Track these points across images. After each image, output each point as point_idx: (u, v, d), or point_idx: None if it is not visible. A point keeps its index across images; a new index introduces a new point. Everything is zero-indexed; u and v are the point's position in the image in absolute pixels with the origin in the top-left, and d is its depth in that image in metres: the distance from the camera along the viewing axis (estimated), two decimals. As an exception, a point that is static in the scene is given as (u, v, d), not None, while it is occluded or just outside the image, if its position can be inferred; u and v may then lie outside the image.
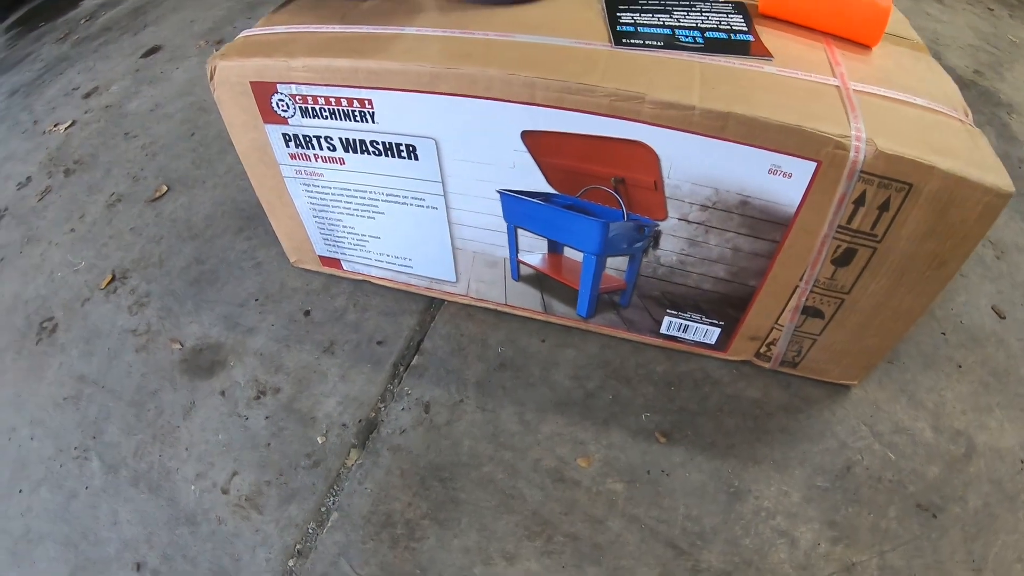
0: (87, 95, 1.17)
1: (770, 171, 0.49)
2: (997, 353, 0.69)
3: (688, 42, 0.54)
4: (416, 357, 0.71)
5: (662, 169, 0.52)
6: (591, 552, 0.57)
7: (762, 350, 0.65)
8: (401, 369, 0.70)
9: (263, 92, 0.58)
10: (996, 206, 0.46)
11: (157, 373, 0.72)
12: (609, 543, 0.57)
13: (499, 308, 0.73)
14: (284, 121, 0.60)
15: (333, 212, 0.69)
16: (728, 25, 0.57)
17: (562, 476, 0.61)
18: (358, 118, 0.57)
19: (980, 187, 0.45)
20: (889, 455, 0.61)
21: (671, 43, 0.54)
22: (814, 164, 0.47)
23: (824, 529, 0.57)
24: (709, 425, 0.64)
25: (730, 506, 0.59)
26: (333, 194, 0.66)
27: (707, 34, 0.55)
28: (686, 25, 0.56)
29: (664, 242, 0.58)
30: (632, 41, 0.54)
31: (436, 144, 0.57)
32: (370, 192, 0.64)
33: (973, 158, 0.47)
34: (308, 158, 0.63)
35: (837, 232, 0.51)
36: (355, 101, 0.56)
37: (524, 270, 0.67)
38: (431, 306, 0.76)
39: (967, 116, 0.52)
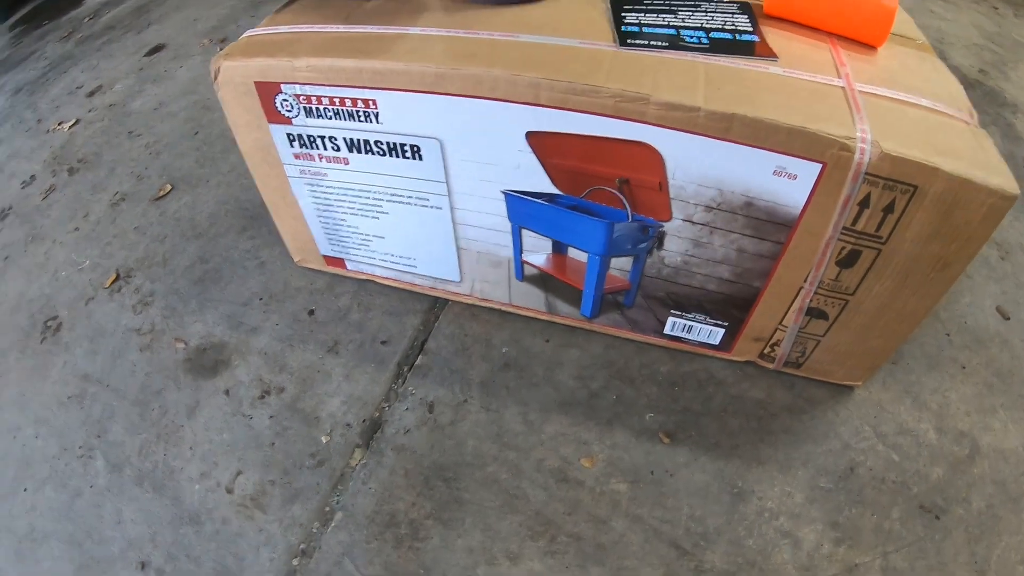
0: (91, 93, 1.17)
1: (775, 172, 0.49)
2: (1001, 354, 0.69)
3: (693, 42, 0.54)
4: (420, 357, 0.71)
5: (667, 170, 0.52)
6: (594, 552, 0.57)
7: (766, 351, 0.65)
8: (405, 369, 0.70)
9: (267, 92, 0.58)
10: (1001, 208, 0.46)
11: (161, 372, 0.72)
12: (613, 543, 0.57)
13: (503, 308, 0.73)
14: (288, 121, 0.60)
15: (337, 212, 0.69)
16: (733, 25, 0.57)
17: (566, 476, 0.61)
18: (362, 118, 0.57)
19: (985, 189, 0.45)
20: (893, 456, 0.61)
21: (676, 43, 0.54)
22: (819, 166, 0.47)
23: (827, 530, 0.57)
24: (713, 426, 0.64)
25: (734, 507, 0.59)
26: (337, 194, 0.66)
27: (712, 34, 0.55)
28: (691, 25, 0.56)
29: (668, 243, 0.58)
30: (637, 41, 0.54)
31: (440, 144, 0.57)
32: (374, 192, 0.64)
33: (978, 160, 0.47)
34: (312, 158, 0.63)
35: (842, 234, 0.51)
36: (359, 101, 0.56)
37: (528, 270, 0.67)
38: (435, 306, 0.76)
39: (972, 117, 0.52)
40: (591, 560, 0.56)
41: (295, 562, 0.58)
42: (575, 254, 0.63)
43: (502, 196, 0.60)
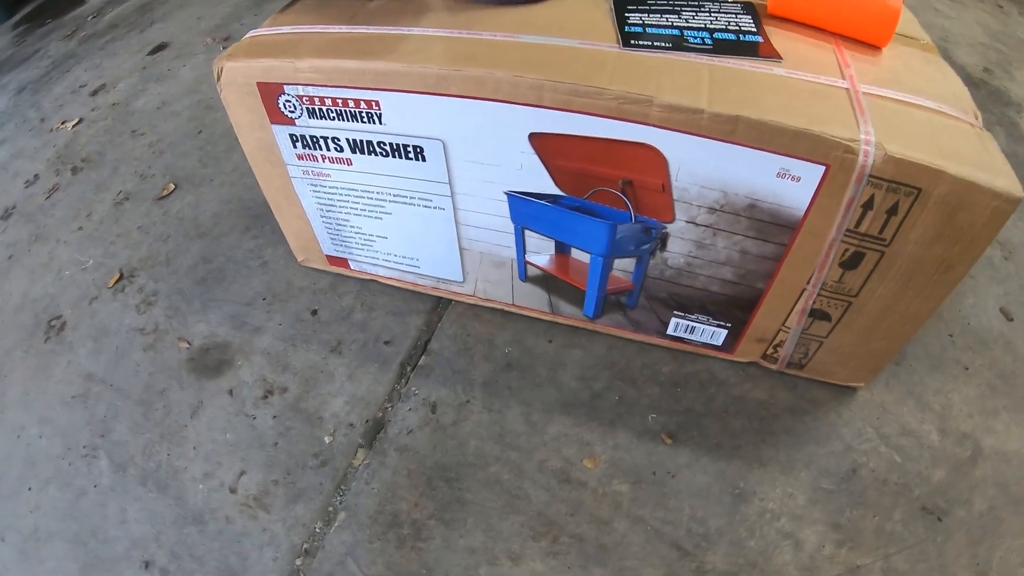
0: (94, 92, 1.17)
1: (778, 175, 0.49)
2: (1004, 356, 0.69)
3: (697, 43, 0.54)
4: (423, 357, 0.71)
5: (670, 172, 0.52)
6: (596, 553, 0.57)
7: (769, 352, 0.65)
8: (408, 369, 0.70)
9: (270, 93, 0.58)
10: (1005, 211, 0.46)
11: (165, 372, 0.73)
12: (614, 544, 0.57)
13: (506, 308, 0.73)
14: (291, 122, 0.60)
15: (340, 212, 0.69)
16: (737, 26, 0.57)
17: (568, 477, 0.61)
18: (365, 119, 0.57)
19: (989, 192, 0.45)
20: (895, 458, 0.61)
21: (680, 44, 0.54)
22: (823, 168, 0.47)
23: (829, 531, 0.57)
24: (715, 426, 0.64)
25: (735, 508, 0.59)
26: (340, 194, 0.66)
27: (716, 35, 0.55)
28: (695, 26, 0.56)
29: (671, 244, 0.58)
30: (640, 42, 0.54)
31: (443, 145, 0.57)
32: (377, 192, 0.64)
33: (982, 162, 0.46)
34: (315, 159, 0.63)
35: (845, 236, 0.51)
36: (362, 102, 0.56)
37: (531, 271, 0.67)
38: (438, 306, 0.76)
39: (977, 119, 0.52)
40: (593, 561, 0.57)
41: (298, 562, 0.58)
42: (578, 255, 0.63)
43: (505, 197, 0.60)
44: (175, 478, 0.65)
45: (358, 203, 0.66)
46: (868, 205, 0.48)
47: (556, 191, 0.57)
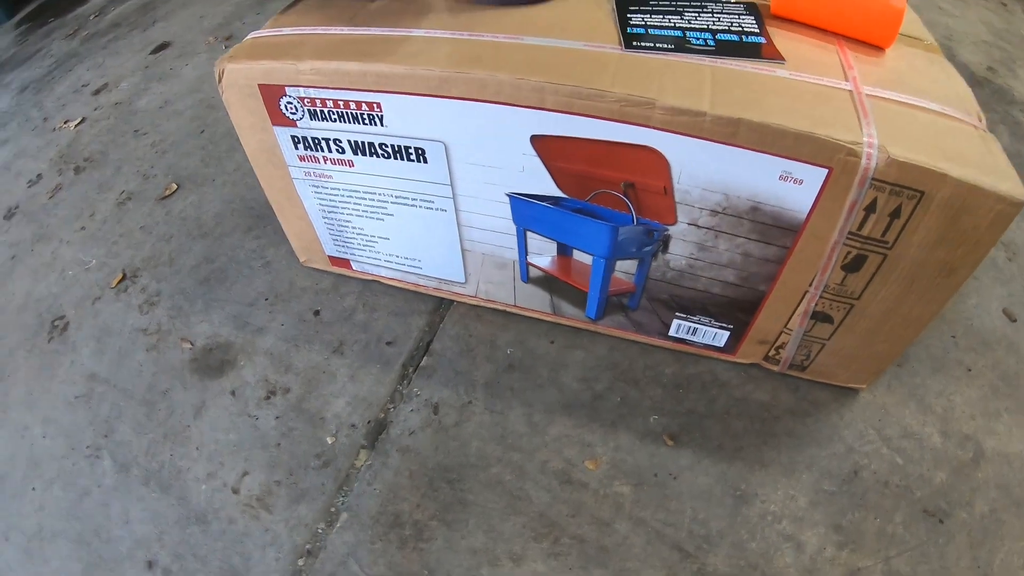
0: (97, 92, 1.17)
1: (781, 177, 0.49)
2: (1007, 357, 0.69)
3: (699, 44, 0.54)
4: (425, 358, 0.71)
5: (672, 174, 0.52)
6: (597, 554, 0.57)
7: (771, 353, 0.65)
8: (410, 370, 0.70)
9: (271, 95, 0.58)
10: (1009, 214, 0.45)
11: (168, 372, 0.73)
12: (616, 545, 0.57)
13: (508, 309, 0.73)
14: (293, 123, 0.60)
15: (342, 213, 0.69)
16: (740, 27, 0.56)
17: (569, 478, 0.62)
18: (367, 121, 0.57)
19: (993, 195, 0.45)
20: (897, 460, 0.61)
21: (682, 46, 0.54)
22: (825, 171, 0.47)
23: (830, 534, 0.57)
24: (717, 428, 0.64)
25: (736, 510, 0.59)
26: (342, 196, 0.66)
27: (718, 36, 0.55)
28: (697, 27, 0.56)
29: (673, 246, 0.58)
30: (642, 44, 0.54)
31: (445, 147, 0.57)
32: (379, 194, 0.64)
33: (986, 165, 0.46)
34: (317, 160, 0.63)
35: (847, 238, 0.51)
36: (364, 104, 0.56)
37: (533, 272, 0.67)
38: (440, 306, 0.76)
39: (980, 120, 0.51)
40: (594, 562, 0.57)
41: (300, 562, 0.59)
42: (580, 257, 0.63)
43: (507, 199, 0.60)
44: (178, 478, 0.65)
45: (360, 204, 0.67)
46: (871, 208, 0.48)
47: (558, 193, 0.57)
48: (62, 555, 0.62)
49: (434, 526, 0.60)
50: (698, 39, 0.55)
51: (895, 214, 0.48)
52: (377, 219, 0.68)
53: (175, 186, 0.94)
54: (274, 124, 0.61)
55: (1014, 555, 0.56)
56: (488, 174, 0.58)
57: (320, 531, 0.60)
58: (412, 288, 0.76)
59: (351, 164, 0.62)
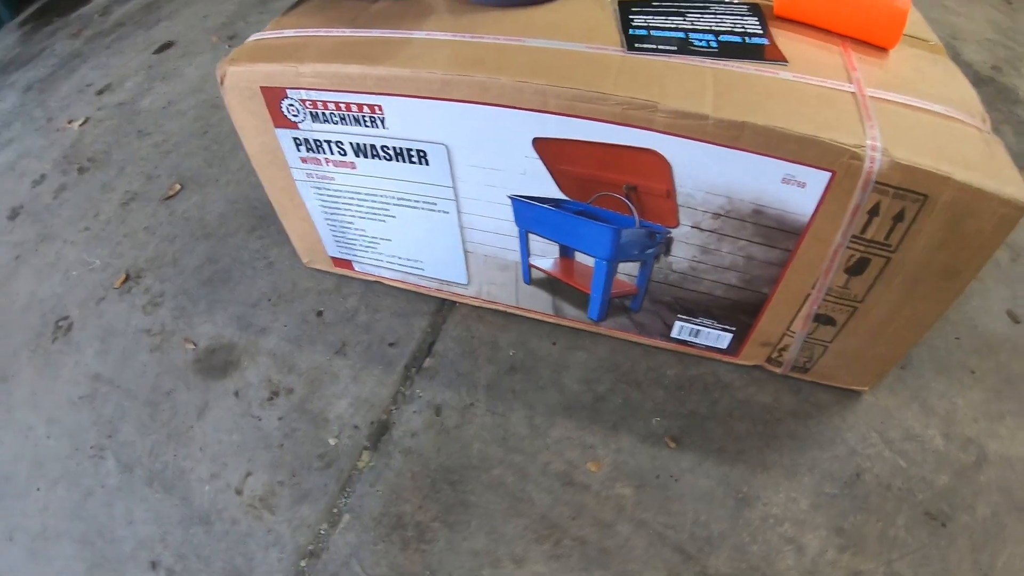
0: (100, 92, 1.17)
1: (784, 180, 0.49)
2: (1011, 359, 0.69)
3: (702, 46, 0.54)
4: (427, 359, 0.71)
5: (674, 177, 0.52)
6: (599, 556, 0.57)
7: (773, 355, 0.65)
8: (413, 371, 0.71)
9: (273, 97, 0.58)
10: (1013, 218, 0.45)
11: (171, 373, 0.73)
12: (617, 547, 0.58)
13: (510, 310, 0.73)
14: (294, 125, 0.60)
15: (344, 215, 0.69)
16: (743, 28, 0.56)
17: (571, 480, 0.62)
18: (368, 123, 0.57)
19: (997, 199, 0.44)
20: (899, 462, 0.61)
21: (684, 47, 0.54)
22: (828, 174, 0.47)
23: (832, 536, 0.57)
24: (719, 430, 0.64)
25: (738, 512, 0.59)
26: (344, 197, 0.66)
27: (721, 38, 0.55)
28: (700, 28, 0.56)
29: (676, 249, 0.58)
30: (645, 45, 0.54)
31: (447, 150, 0.57)
32: (381, 196, 0.65)
33: (990, 168, 0.46)
34: (319, 162, 0.63)
35: (851, 242, 0.50)
36: (365, 107, 0.56)
37: (535, 274, 0.67)
38: (442, 308, 0.76)
39: (985, 123, 0.51)
40: (595, 564, 0.57)
41: (303, 563, 0.59)
42: (582, 258, 0.63)
43: (509, 201, 0.60)
44: (181, 479, 0.65)
45: (362, 206, 0.67)
46: (874, 211, 0.48)
47: (560, 195, 0.57)
48: (66, 555, 0.62)
49: (436, 527, 0.60)
50: (701, 40, 0.54)
51: (898, 217, 0.48)
52: (379, 221, 0.68)
53: (179, 186, 0.94)
54: (276, 126, 0.61)
55: (1016, 559, 0.56)
56: (490, 176, 0.58)
57: (323, 532, 0.61)
58: (414, 289, 0.76)
59: (353, 166, 0.62)
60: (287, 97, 0.58)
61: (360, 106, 0.56)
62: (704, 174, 0.51)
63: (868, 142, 0.46)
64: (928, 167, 0.45)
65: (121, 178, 0.98)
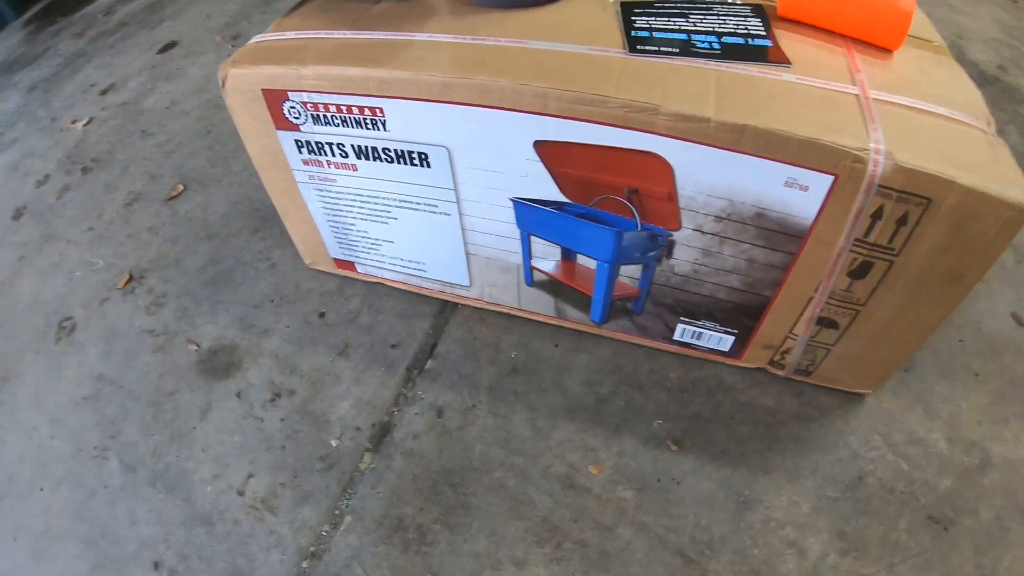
0: (104, 92, 1.18)
1: (786, 184, 0.49)
2: (1015, 362, 0.68)
3: (704, 48, 0.54)
4: (429, 361, 0.71)
5: (676, 180, 0.52)
6: (599, 559, 0.57)
7: (776, 358, 0.64)
8: (415, 373, 0.71)
9: (275, 99, 0.58)
10: (1017, 221, 0.45)
11: (174, 374, 0.73)
12: (618, 551, 0.57)
13: (512, 312, 0.73)
14: (296, 128, 0.60)
15: (347, 217, 0.69)
16: (746, 29, 0.56)
17: (572, 483, 0.62)
18: (369, 126, 0.57)
19: (1001, 202, 0.44)
20: (902, 466, 0.61)
21: (687, 49, 0.53)
22: (831, 178, 0.47)
23: (833, 540, 0.57)
24: (721, 433, 0.64)
25: (739, 515, 0.59)
26: (346, 199, 0.66)
27: (724, 39, 0.54)
28: (703, 29, 0.56)
29: (678, 252, 0.57)
30: (647, 47, 0.53)
31: (448, 152, 0.57)
32: (383, 198, 0.65)
33: (994, 171, 0.46)
34: (321, 164, 0.63)
35: (853, 245, 0.50)
36: (366, 109, 0.56)
37: (537, 276, 0.67)
38: (445, 309, 0.76)
39: (990, 125, 0.51)
40: (596, 567, 0.57)
41: (305, 564, 0.59)
42: (584, 261, 0.63)
43: (511, 203, 0.60)
44: (184, 479, 0.65)
45: (364, 208, 0.67)
46: (877, 215, 0.48)
47: (562, 198, 0.57)
48: (69, 555, 0.62)
49: (437, 530, 0.60)
50: (703, 42, 0.54)
51: (902, 221, 0.47)
52: (381, 222, 0.68)
53: (182, 187, 0.95)
54: (277, 128, 0.61)
55: (1019, 563, 0.55)
56: (491, 179, 0.58)
57: (324, 533, 0.61)
58: (417, 291, 0.76)
59: (354, 168, 0.62)
60: (288, 99, 0.58)
61: (361, 108, 0.56)
62: (706, 177, 0.51)
63: (871, 145, 0.45)
64: (932, 171, 0.44)
65: (124, 178, 0.98)
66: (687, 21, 0.57)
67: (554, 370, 0.69)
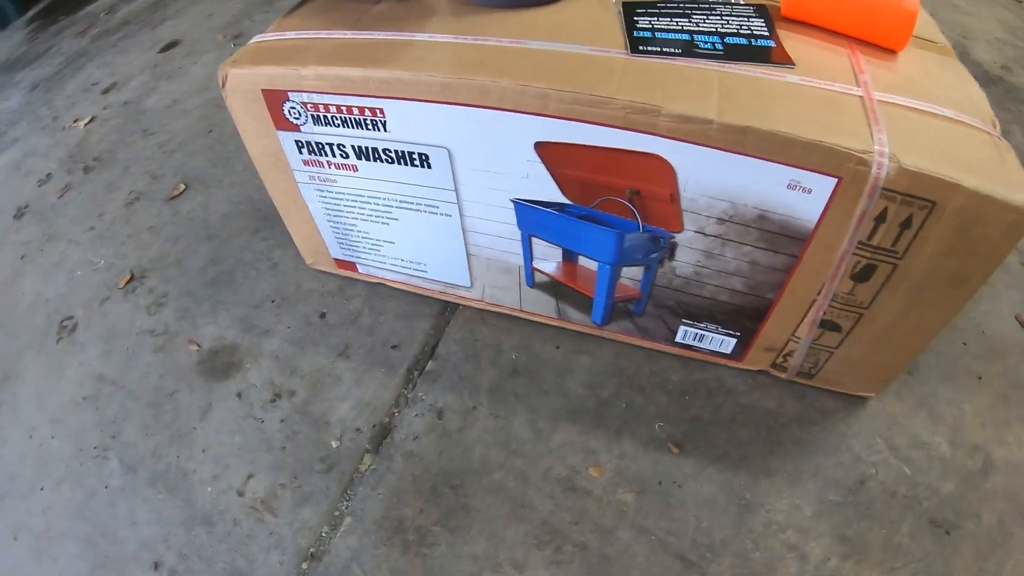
0: (106, 91, 1.18)
1: (789, 186, 0.48)
2: (1019, 365, 0.68)
3: (707, 48, 0.53)
4: (430, 362, 0.71)
5: (678, 182, 0.51)
6: (600, 562, 0.57)
7: (778, 361, 0.64)
8: (415, 374, 0.70)
9: (275, 100, 0.58)
10: (1022, 225, 0.44)
11: (174, 374, 0.73)
12: (618, 554, 0.57)
13: (513, 313, 0.73)
14: (296, 128, 0.60)
15: (347, 217, 0.69)
16: (749, 30, 0.55)
17: (573, 485, 0.61)
18: (370, 126, 0.57)
19: (1006, 206, 0.44)
20: (904, 469, 0.61)
21: (689, 50, 0.53)
22: (835, 180, 0.46)
23: (835, 544, 0.57)
24: (722, 436, 0.64)
25: (741, 519, 0.58)
26: (347, 200, 0.66)
27: (727, 40, 0.54)
28: (705, 30, 0.55)
29: (680, 254, 0.57)
30: (649, 48, 0.53)
31: (449, 153, 0.57)
32: (384, 199, 0.64)
33: (999, 174, 0.45)
34: (321, 164, 0.63)
35: (857, 248, 0.50)
36: (366, 110, 0.56)
37: (539, 277, 0.67)
38: (446, 310, 0.76)
39: (995, 127, 0.50)
40: (596, 570, 0.57)
41: (304, 566, 0.59)
42: (586, 262, 0.62)
43: (512, 205, 0.59)
44: (184, 480, 0.65)
45: (365, 209, 0.66)
46: (881, 218, 0.47)
47: (563, 199, 0.57)
48: (69, 555, 0.62)
49: (437, 532, 0.60)
50: (706, 43, 0.54)
51: (906, 224, 0.47)
52: (382, 223, 0.67)
53: (183, 186, 0.95)
54: (278, 129, 0.61)
55: (1022, 567, 0.55)
56: (492, 180, 0.58)
57: (324, 535, 0.61)
58: (418, 291, 0.76)
59: (355, 169, 0.62)
60: (289, 100, 0.57)
61: (362, 109, 0.56)
62: (708, 179, 0.50)
63: (875, 147, 0.45)
64: (936, 173, 0.44)
65: (126, 178, 0.98)
66: (689, 21, 0.56)
67: (555, 372, 0.69)
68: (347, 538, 0.60)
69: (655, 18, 0.57)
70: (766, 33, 0.55)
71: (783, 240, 0.52)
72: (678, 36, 0.54)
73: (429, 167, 0.59)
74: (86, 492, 0.66)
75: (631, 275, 0.61)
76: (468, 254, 0.67)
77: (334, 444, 0.66)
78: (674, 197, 0.52)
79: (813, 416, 0.64)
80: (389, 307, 0.76)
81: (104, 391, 0.73)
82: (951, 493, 0.59)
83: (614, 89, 0.49)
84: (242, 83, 0.58)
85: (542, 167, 0.55)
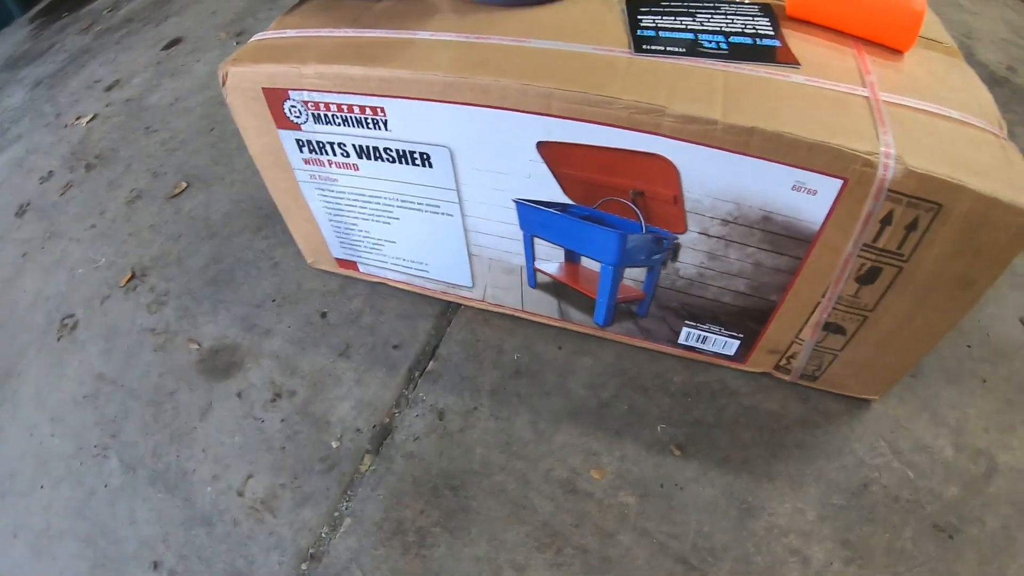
0: (108, 88, 1.17)
1: (794, 187, 0.48)
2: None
3: (712, 48, 0.53)
4: (431, 362, 0.71)
5: (682, 183, 0.51)
6: (600, 565, 0.57)
7: (782, 363, 0.64)
8: (416, 374, 0.70)
9: (275, 98, 0.58)
10: (1029, 228, 0.44)
11: (175, 373, 0.73)
12: (619, 557, 0.57)
13: (515, 314, 0.73)
14: (297, 127, 0.60)
15: (348, 216, 0.68)
16: (754, 29, 0.55)
17: (574, 487, 0.61)
18: (371, 125, 0.57)
19: (1013, 209, 0.43)
20: (908, 473, 0.60)
21: (694, 49, 0.52)
22: (840, 182, 0.46)
23: (837, 548, 0.56)
24: (724, 438, 0.63)
25: (742, 522, 0.58)
26: (348, 199, 0.66)
27: (731, 39, 0.54)
28: (710, 29, 0.55)
29: (683, 255, 0.57)
30: (653, 47, 0.53)
31: (450, 152, 0.56)
32: (385, 198, 0.64)
33: (1007, 177, 0.45)
34: (322, 163, 0.63)
35: (862, 250, 0.49)
36: (367, 109, 0.55)
37: (541, 277, 0.66)
38: (447, 310, 0.75)
39: (1002, 129, 0.50)
40: (597, 573, 0.56)
41: (304, 566, 0.59)
42: (588, 263, 0.62)
43: (514, 205, 0.59)
44: (184, 479, 0.65)
45: (366, 208, 0.66)
46: (886, 220, 0.47)
47: (565, 200, 0.57)
48: (69, 554, 0.62)
49: (437, 533, 0.59)
50: (710, 42, 0.53)
51: (911, 227, 0.47)
52: (383, 223, 0.67)
53: (185, 184, 0.94)
54: (278, 127, 0.61)
55: (1027, 573, 0.55)
56: (494, 180, 0.57)
57: (324, 535, 0.60)
58: (419, 291, 0.76)
59: (356, 168, 0.62)
60: (289, 98, 0.57)
61: (363, 108, 0.55)
62: (712, 180, 0.50)
63: (881, 149, 0.44)
64: (943, 175, 0.43)
65: (128, 175, 0.98)
66: (694, 20, 0.56)
67: (557, 373, 0.69)
68: (347, 539, 0.60)
69: (659, 17, 0.56)
70: (771, 32, 0.55)
71: (787, 242, 0.51)
72: (682, 35, 0.54)
73: (430, 166, 0.58)
74: (86, 491, 0.66)
75: (634, 276, 0.61)
76: (470, 254, 0.66)
77: (334, 444, 0.66)
78: (678, 198, 0.52)
79: (816, 419, 0.64)
80: (390, 307, 0.76)
81: (104, 390, 0.73)
82: (954, 497, 0.59)
83: (618, 89, 0.48)
84: (242, 81, 0.57)
85: (544, 167, 0.54)
